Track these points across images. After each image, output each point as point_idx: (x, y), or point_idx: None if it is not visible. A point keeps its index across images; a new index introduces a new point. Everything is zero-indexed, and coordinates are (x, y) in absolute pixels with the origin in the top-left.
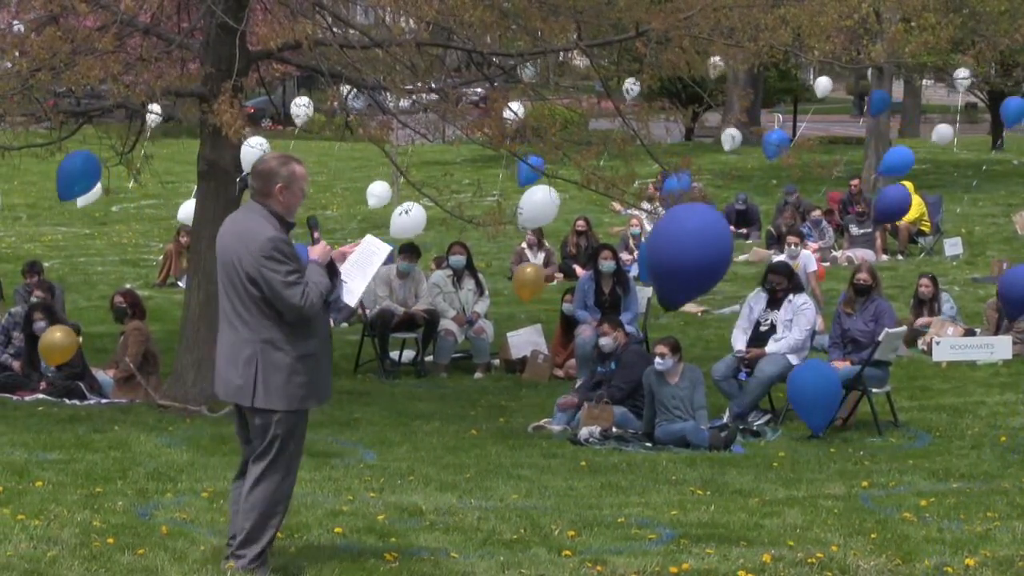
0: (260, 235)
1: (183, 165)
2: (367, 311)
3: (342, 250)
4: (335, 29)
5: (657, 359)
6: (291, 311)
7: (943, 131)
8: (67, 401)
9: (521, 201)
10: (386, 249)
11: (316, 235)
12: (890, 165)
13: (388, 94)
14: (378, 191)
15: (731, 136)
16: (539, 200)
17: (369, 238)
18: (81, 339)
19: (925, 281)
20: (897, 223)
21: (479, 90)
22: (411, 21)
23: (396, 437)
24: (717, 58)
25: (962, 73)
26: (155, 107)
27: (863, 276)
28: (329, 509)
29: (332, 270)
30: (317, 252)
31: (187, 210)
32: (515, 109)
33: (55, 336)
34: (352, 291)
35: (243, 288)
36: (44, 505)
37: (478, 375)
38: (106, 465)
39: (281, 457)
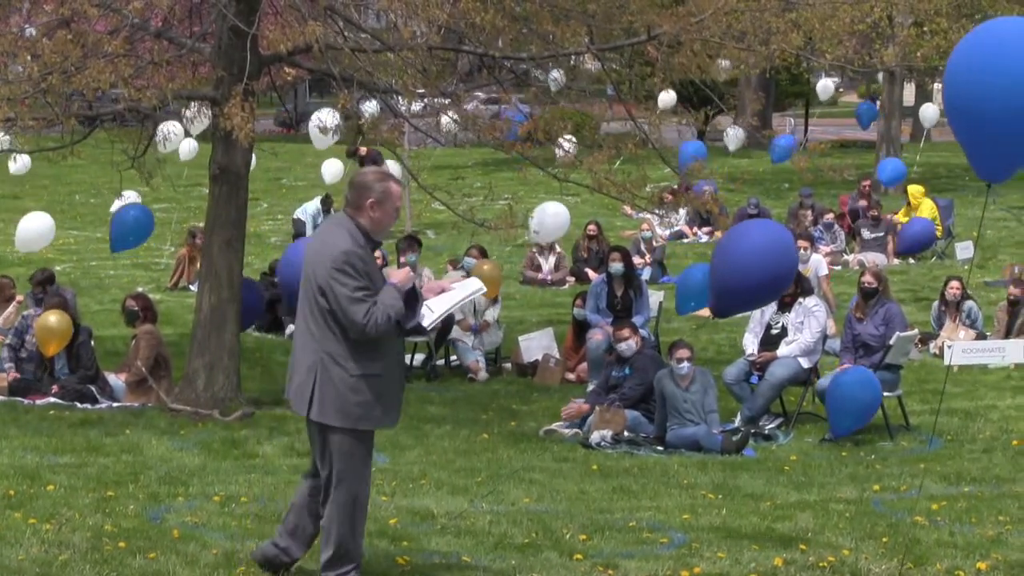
0: (335, 247)
1: (195, 169)
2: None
3: (440, 284)
4: (347, 33)
5: (680, 364)
6: (353, 328)
7: (929, 111)
8: (79, 405)
9: (535, 217)
10: (481, 288)
11: (402, 259)
12: (886, 179)
13: (400, 98)
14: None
15: (735, 136)
16: (552, 214)
17: (472, 279)
18: (93, 343)
19: (955, 283)
20: None
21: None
22: (422, 25)
23: (408, 441)
24: (726, 61)
25: None
26: (174, 126)
27: (868, 279)
28: None
29: (411, 297)
30: (399, 276)
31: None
32: (524, 111)
33: (49, 321)
34: (431, 318)
35: (314, 298)
36: (56, 509)
37: (471, 376)
38: (118, 469)
39: (343, 476)
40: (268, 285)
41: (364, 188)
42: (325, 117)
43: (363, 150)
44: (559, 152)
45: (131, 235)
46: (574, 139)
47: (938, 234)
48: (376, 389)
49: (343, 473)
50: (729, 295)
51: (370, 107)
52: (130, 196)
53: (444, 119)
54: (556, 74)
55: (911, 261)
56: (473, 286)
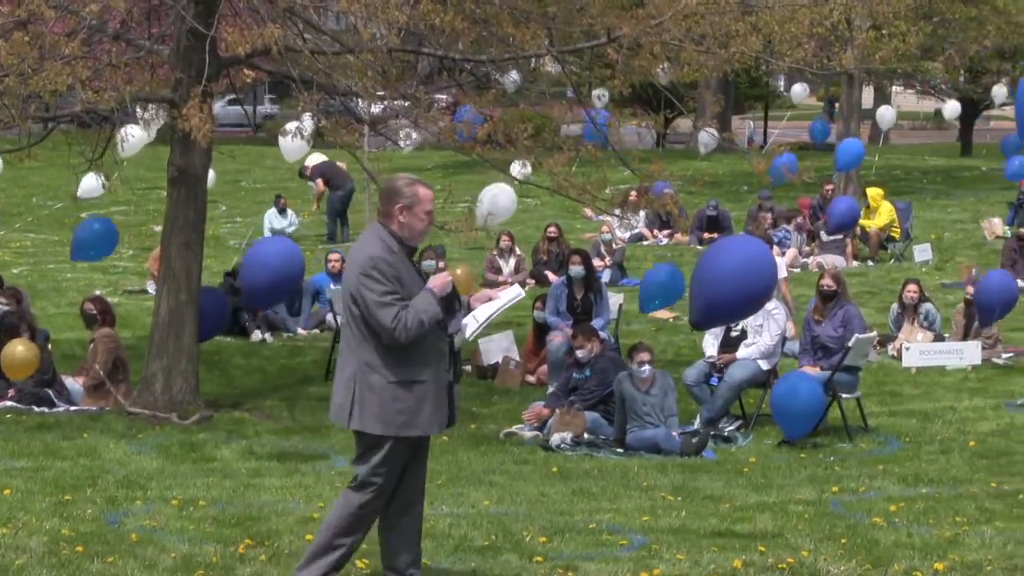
0: (363, 253)
1: (154, 171)
2: (338, 317)
3: (487, 293)
4: (306, 35)
5: (641, 368)
6: (383, 333)
7: (887, 114)
8: (36, 408)
9: (483, 202)
10: (521, 294)
11: (441, 264)
12: (844, 162)
13: (359, 100)
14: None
15: (706, 140)
16: (495, 195)
17: (515, 286)
18: (51, 346)
19: (912, 287)
20: (867, 229)
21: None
22: (382, 27)
23: None
24: (666, 63)
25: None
26: (134, 130)
27: (827, 282)
28: (300, 516)
29: (450, 303)
30: (437, 282)
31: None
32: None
33: (16, 351)
34: (473, 328)
35: (349, 306)
36: (12, 513)
37: None
38: (75, 473)
39: (375, 480)
40: (229, 288)
41: (393, 194)
42: (303, 124)
43: (309, 168)
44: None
45: (92, 248)
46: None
47: (896, 236)
48: (418, 395)
49: (374, 479)
50: (712, 310)
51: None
52: (91, 184)
53: (408, 130)
54: (514, 75)
55: (870, 263)
56: (512, 293)
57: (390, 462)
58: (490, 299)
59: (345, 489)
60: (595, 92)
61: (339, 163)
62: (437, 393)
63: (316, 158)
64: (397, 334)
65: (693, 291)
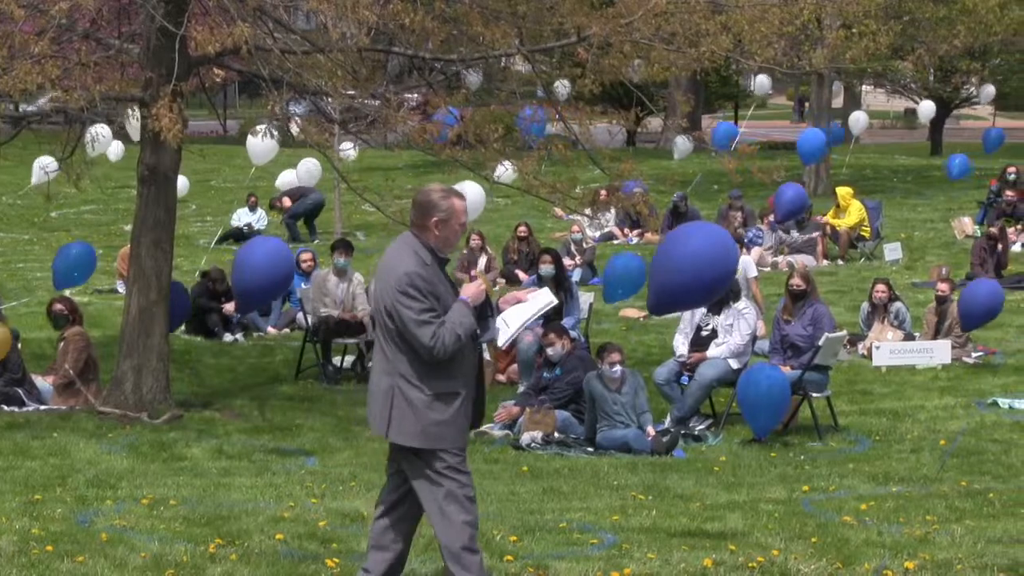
0: (399, 268)
1: (123, 170)
2: (308, 316)
3: (516, 295)
4: (276, 34)
5: (613, 368)
6: (422, 350)
7: (859, 118)
8: (5, 408)
9: None
10: (550, 299)
11: (472, 273)
12: (808, 154)
13: (329, 99)
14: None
15: (683, 146)
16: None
17: (545, 290)
18: (20, 345)
19: (881, 286)
20: (838, 228)
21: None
22: (352, 26)
23: (338, 443)
24: (638, 60)
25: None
26: (103, 129)
27: (796, 281)
28: (270, 515)
29: (482, 310)
30: (470, 292)
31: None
32: (455, 113)
33: None
34: (506, 334)
35: (384, 320)
36: None
37: None
38: (45, 472)
39: (435, 493)
40: (203, 290)
41: (429, 207)
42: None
43: (286, 202)
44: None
45: (75, 270)
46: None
47: (866, 235)
48: (454, 407)
49: (434, 492)
50: (668, 296)
51: (299, 109)
52: (48, 163)
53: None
54: (475, 77)
55: (840, 262)
56: (544, 299)
57: (442, 472)
58: (518, 301)
59: (431, 518)
60: (557, 84)
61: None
62: (470, 401)
63: (286, 177)
64: (436, 352)
65: (651, 276)
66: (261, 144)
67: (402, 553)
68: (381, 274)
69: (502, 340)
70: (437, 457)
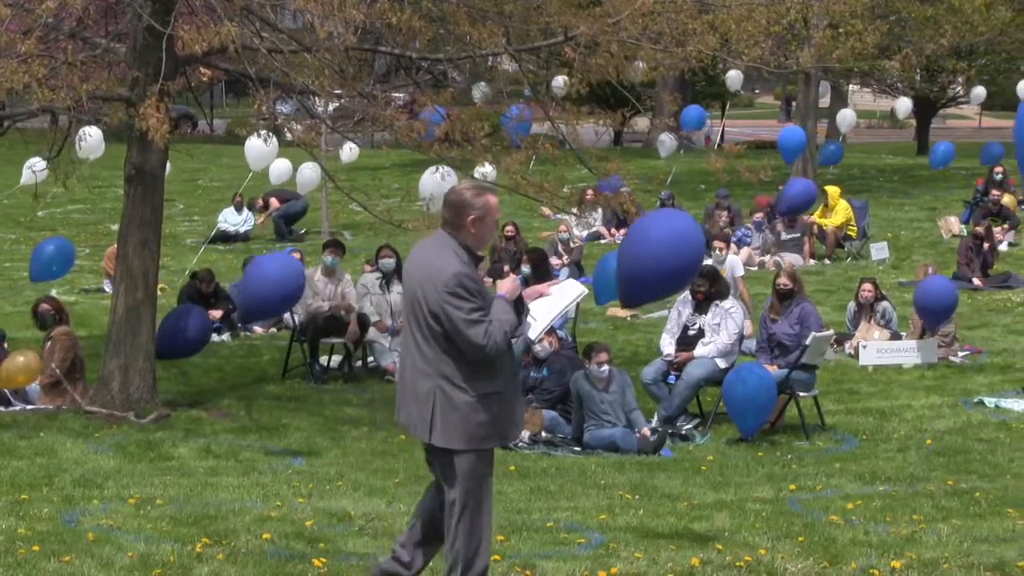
0: (446, 270)
1: (111, 170)
2: (296, 316)
3: (538, 288)
4: (263, 34)
5: (601, 368)
6: (473, 350)
7: (846, 115)
8: None
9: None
10: (583, 291)
11: (506, 268)
12: (789, 152)
13: (317, 98)
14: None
15: (668, 144)
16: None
17: (570, 280)
18: (6, 345)
19: (867, 286)
20: (824, 227)
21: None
22: (339, 25)
23: (325, 443)
24: (642, 63)
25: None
26: (92, 130)
27: (783, 281)
28: (257, 515)
29: (518, 306)
30: (506, 288)
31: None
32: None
33: (17, 361)
34: (537, 327)
35: (425, 322)
36: None
37: (389, 377)
38: (32, 472)
39: (469, 496)
40: (192, 291)
41: (464, 206)
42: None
43: (273, 202)
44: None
45: (53, 264)
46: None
47: (853, 234)
48: (496, 407)
49: (468, 495)
50: (637, 286)
51: (286, 108)
52: (37, 163)
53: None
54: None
55: (826, 262)
56: (575, 290)
57: (477, 474)
58: (541, 295)
59: (453, 516)
60: (555, 80)
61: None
62: (511, 401)
63: (279, 167)
64: (489, 350)
65: (618, 267)
66: (260, 149)
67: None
68: (420, 276)
69: (534, 334)
70: (475, 461)
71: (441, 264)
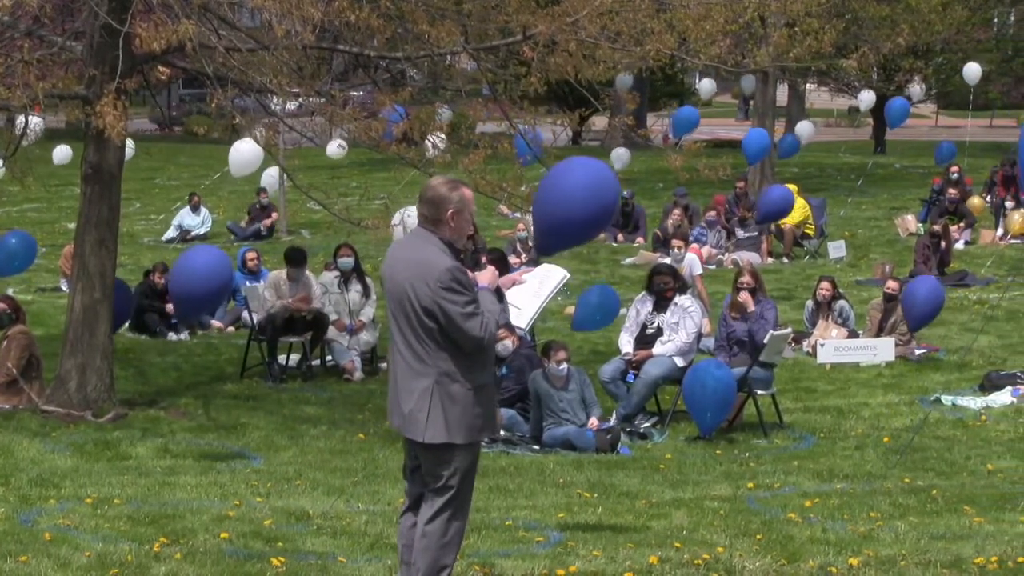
0: (438, 265)
1: (67, 168)
2: (254, 315)
3: (511, 277)
4: (221, 32)
5: (560, 366)
6: (471, 342)
7: (804, 127)
8: None
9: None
10: (565, 275)
11: (484, 259)
12: (752, 154)
13: (274, 97)
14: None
15: (622, 156)
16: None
17: (546, 265)
18: None
19: (825, 284)
20: (782, 225)
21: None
22: (297, 23)
23: (283, 441)
24: (621, 67)
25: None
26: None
27: (746, 279)
28: (216, 514)
29: (498, 296)
30: (486, 278)
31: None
32: (400, 111)
33: None
34: (525, 316)
35: (417, 320)
36: None
37: (347, 376)
38: None
39: (459, 492)
40: (146, 288)
41: (441, 200)
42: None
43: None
44: (430, 150)
45: (16, 259)
46: (443, 137)
47: (811, 233)
48: (487, 399)
49: (458, 489)
50: (551, 235)
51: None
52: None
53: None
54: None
55: (784, 260)
56: (558, 274)
57: (471, 467)
58: (514, 283)
59: (428, 517)
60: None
61: None
62: (494, 392)
63: (271, 174)
64: (486, 342)
65: (534, 217)
66: (244, 155)
67: None
68: (410, 274)
69: (523, 322)
70: (472, 453)
71: (432, 260)
